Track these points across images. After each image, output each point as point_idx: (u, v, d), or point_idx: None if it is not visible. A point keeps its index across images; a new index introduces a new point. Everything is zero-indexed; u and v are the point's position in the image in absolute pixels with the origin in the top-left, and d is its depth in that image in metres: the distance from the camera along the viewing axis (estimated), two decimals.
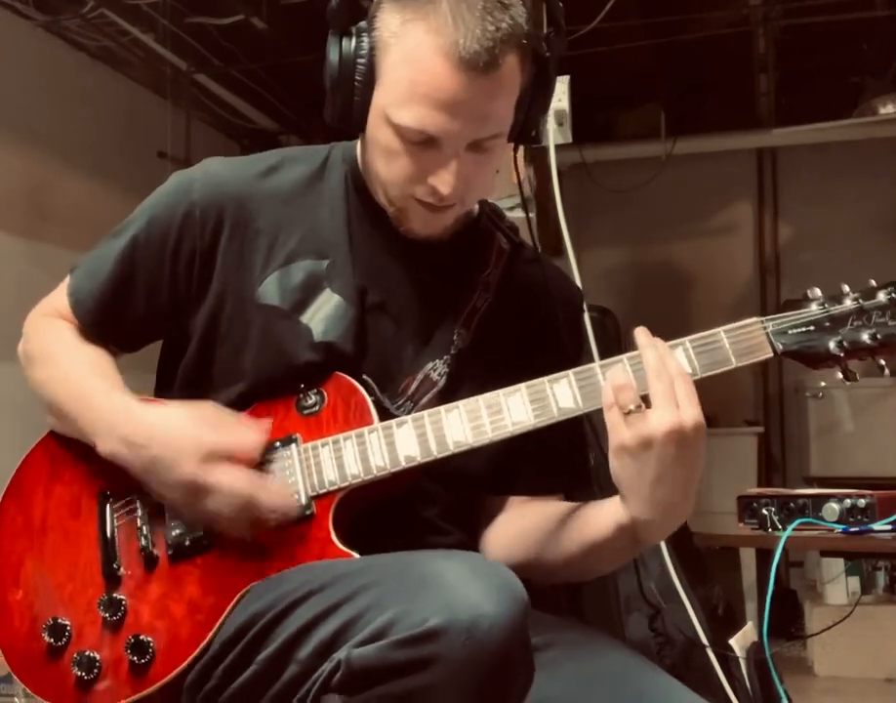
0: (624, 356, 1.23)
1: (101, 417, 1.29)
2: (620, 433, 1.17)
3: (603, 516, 1.25)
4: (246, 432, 1.26)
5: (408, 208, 1.31)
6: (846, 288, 1.24)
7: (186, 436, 1.23)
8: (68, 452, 1.36)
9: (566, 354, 1.38)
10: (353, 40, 1.27)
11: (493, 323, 1.39)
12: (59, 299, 1.42)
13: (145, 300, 1.38)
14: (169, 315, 1.38)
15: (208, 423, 1.25)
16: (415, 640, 1.01)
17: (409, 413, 1.31)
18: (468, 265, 1.41)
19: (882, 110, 5.16)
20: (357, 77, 1.27)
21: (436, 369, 1.35)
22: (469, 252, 1.42)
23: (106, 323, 1.40)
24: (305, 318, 1.32)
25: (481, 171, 1.29)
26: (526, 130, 1.34)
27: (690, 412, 1.15)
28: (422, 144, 1.25)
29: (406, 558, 1.15)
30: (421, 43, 1.21)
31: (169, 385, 1.42)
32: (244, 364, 1.33)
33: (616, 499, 1.23)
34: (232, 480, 1.22)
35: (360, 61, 1.26)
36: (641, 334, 1.21)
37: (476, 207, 1.44)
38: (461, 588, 1.04)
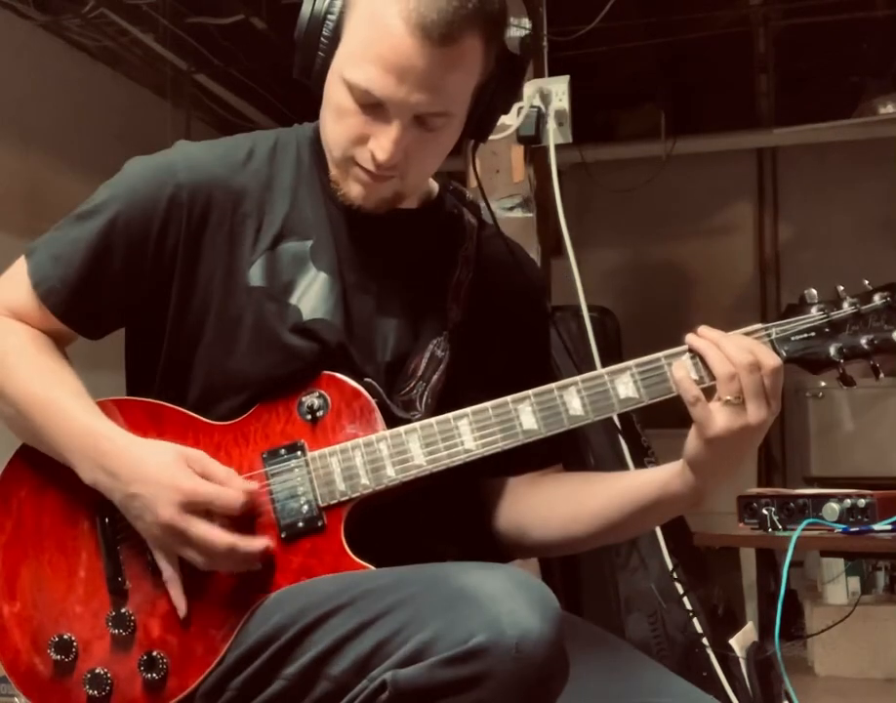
0: (632, 363, 1.24)
1: (81, 443, 1.25)
2: (712, 425, 1.19)
3: (650, 489, 1.29)
4: (228, 485, 1.23)
5: (348, 172, 1.30)
6: (843, 292, 1.25)
7: (168, 480, 1.20)
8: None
9: (545, 316, 1.50)
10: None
11: (479, 295, 1.40)
12: (11, 289, 1.35)
13: (124, 286, 1.33)
14: (147, 302, 1.33)
15: (193, 468, 1.22)
16: (462, 658, 1.02)
17: (422, 393, 1.32)
18: (444, 241, 1.41)
19: (882, 110, 5.16)
20: (324, 34, 1.28)
21: (440, 346, 1.35)
22: (443, 229, 1.42)
23: (79, 312, 1.34)
24: (293, 299, 1.31)
25: (425, 149, 1.28)
26: (482, 125, 1.34)
27: (776, 405, 1.20)
28: (370, 108, 1.25)
29: (438, 571, 1.14)
30: (384, 4, 1.22)
31: (146, 383, 1.37)
32: (239, 352, 1.30)
33: (666, 475, 1.27)
34: (208, 535, 1.20)
35: (330, 17, 1.28)
36: (707, 330, 1.23)
37: (436, 186, 1.44)
38: (503, 602, 1.04)
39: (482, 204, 1.47)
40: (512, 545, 1.41)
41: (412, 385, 1.33)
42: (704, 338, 1.22)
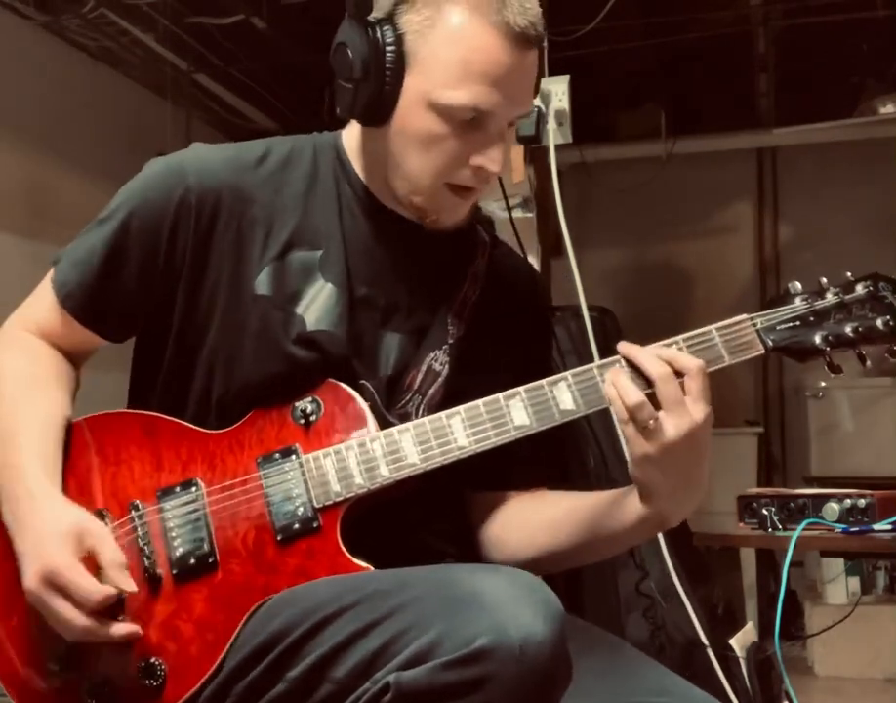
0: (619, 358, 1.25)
1: (7, 482, 1.26)
2: (640, 445, 1.19)
3: (627, 509, 1.27)
4: (106, 574, 1.20)
5: (438, 197, 1.31)
6: (826, 283, 1.27)
7: (44, 549, 1.19)
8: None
9: (549, 335, 1.51)
10: (377, 30, 1.26)
11: (484, 312, 1.41)
12: (39, 300, 1.38)
13: (138, 288, 1.34)
14: (160, 303, 1.34)
15: (80, 544, 1.20)
16: (465, 661, 1.02)
17: (418, 407, 1.32)
18: (455, 256, 1.41)
19: (882, 110, 5.15)
20: (388, 66, 1.25)
21: (437, 359, 1.35)
22: (456, 243, 1.42)
23: (96, 313, 1.36)
24: (299, 309, 1.31)
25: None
26: None
27: (700, 407, 1.18)
28: (468, 124, 1.26)
29: (442, 574, 1.15)
30: (468, 23, 1.23)
31: (149, 386, 1.38)
32: (241, 360, 1.31)
33: (633, 495, 1.26)
34: (65, 616, 1.19)
35: (389, 49, 1.25)
36: (626, 347, 1.23)
37: None
38: (507, 605, 1.04)
39: (489, 204, 1.48)
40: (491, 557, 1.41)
41: (408, 398, 1.33)
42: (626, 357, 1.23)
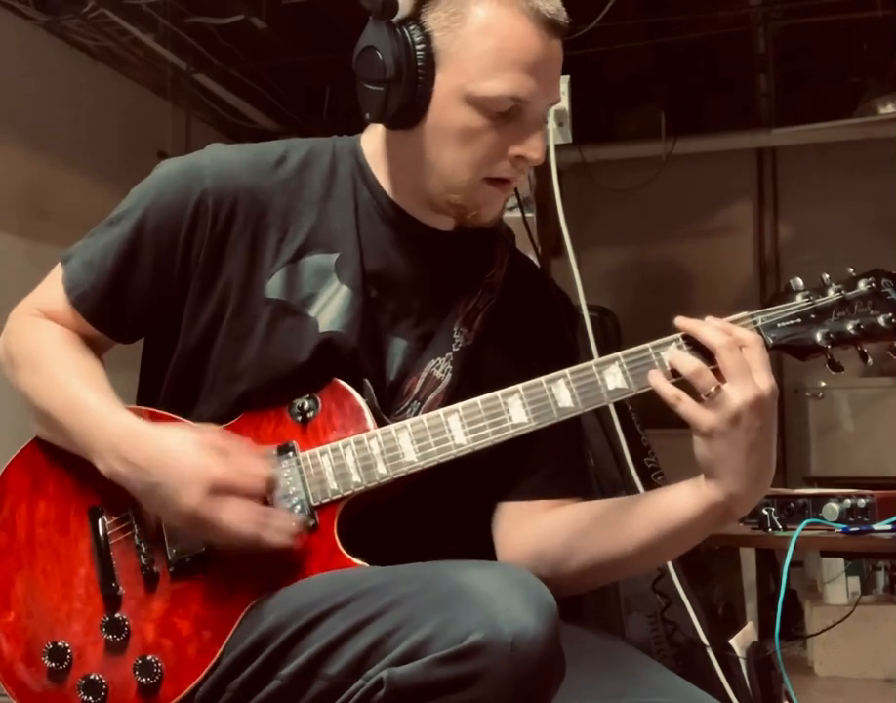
0: (619, 354, 1.25)
1: (103, 435, 1.24)
2: (703, 418, 1.17)
3: (685, 500, 1.24)
4: (253, 463, 1.22)
5: (477, 192, 1.30)
6: (828, 279, 1.26)
7: (193, 465, 1.19)
8: (52, 464, 1.31)
9: (571, 356, 1.42)
10: (405, 30, 1.25)
11: (497, 323, 1.40)
12: (47, 296, 1.37)
13: (152, 290, 1.34)
14: (173, 305, 1.34)
15: (216, 450, 1.21)
16: (458, 656, 1.02)
17: (416, 413, 1.31)
18: (472, 264, 1.41)
19: (882, 110, 5.15)
20: (420, 65, 1.25)
21: (440, 367, 1.35)
22: (474, 251, 1.41)
23: (110, 316, 1.35)
24: (313, 312, 1.31)
25: None
26: None
27: (765, 377, 1.17)
28: (505, 115, 1.25)
29: (434, 570, 1.15)
30: (498, 13, 1.23)
31: (155, 386, 1.38)
32: (246, 361, 1.31)
33: (695, 482, 1.23)
34: (237, 520, 1.19)
35: (419, 48, 1.25)
36: (683, 321, 1.22)
37: None
38: (499, 601, 1.04)
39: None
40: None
41: (407, 404, 1.33)
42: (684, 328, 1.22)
